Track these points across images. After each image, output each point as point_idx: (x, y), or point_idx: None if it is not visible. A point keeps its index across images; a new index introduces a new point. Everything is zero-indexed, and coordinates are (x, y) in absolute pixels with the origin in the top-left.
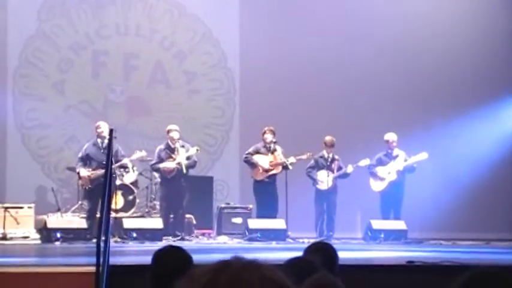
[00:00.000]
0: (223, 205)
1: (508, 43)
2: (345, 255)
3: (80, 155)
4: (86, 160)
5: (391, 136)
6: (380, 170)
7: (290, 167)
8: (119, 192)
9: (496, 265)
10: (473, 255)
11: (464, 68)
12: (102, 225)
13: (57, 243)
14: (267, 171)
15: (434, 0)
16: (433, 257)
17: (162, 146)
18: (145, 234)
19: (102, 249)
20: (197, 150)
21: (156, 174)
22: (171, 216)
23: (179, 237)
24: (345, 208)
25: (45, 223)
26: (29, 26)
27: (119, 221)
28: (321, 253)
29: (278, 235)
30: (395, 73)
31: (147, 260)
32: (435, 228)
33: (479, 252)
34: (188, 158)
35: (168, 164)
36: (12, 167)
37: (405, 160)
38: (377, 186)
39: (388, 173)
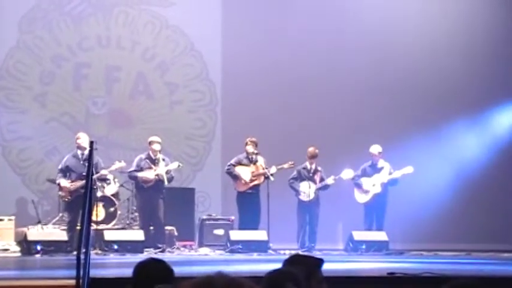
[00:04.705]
0: (205, 217)
1: (495, 51)
2: (325, 266)
3: (59, 166)
4: (66, 172)
5: (376, 148)
6: (365, 182)
7: (272, 178)
8: (100, 204)
9: (476, 276)
10: (454, 266)
11: (448, 77)
12: (82, 238)
13: (38, 255)
14: (249, 182)
15: (423, 15)
16: (414, 268)
17: (142, 156)
18: (126, 246)
19: (82, 261)
20: (179, 165)
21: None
22: (151, 228)
23: (160, 249)
24: (326, 219)
25: (26, 235)
26: (10, 38)
27: (99, 233)
28: (295, 266)
29: (260, 247)
30: (380, 84)
31: (128, 272)
32: (417, 239)
33: (460, 263)
34: (167, 172)
35: (147, 174)
36: None
37: (390, 173)
38: (361, 197)
39: (373, 185)
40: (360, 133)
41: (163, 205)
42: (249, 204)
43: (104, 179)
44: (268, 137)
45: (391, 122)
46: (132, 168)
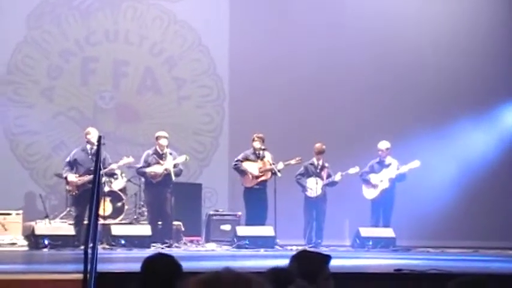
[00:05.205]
0: (211, 212)
1: (500, 48)
2: (332, 262)
3: (67, 159)
4: (73, 165)
5: (384, 144)
6: (373, 178)
7: (279, 174)
8: (108, 199)
9: (483, 273)
10: (461, 263)
11: (454, 74)
12: (90, 232)
13: (45, 250)
14: (256, 177)
15: (426, 10)
16: (421, 265)
17: (150, 151)
18: (133, 241)
19: (89, 256)
20: (186, 158)
21: (143, 179)
22: (159, 223)
23: (167, 244)
24: (333, 215)
25: (33, 230)
26: (18, 33)
27: (107, 227)
28: (302, 262)
29: (266, 242)
30: (387, 80)
31: (135, 267)
32: (423, 236)
33: (467, 260)
34: (175, 166)
35: (156, 169)
36: (0, 173)
37: (397, 168)
38: (369, 193)
39: (381, 180)
40: (366, 129)
41: (172, 200)
42: (256, 200)
43: (111, 174)
44: (275, 133)
45: (397, 119)
46: (140, 165)
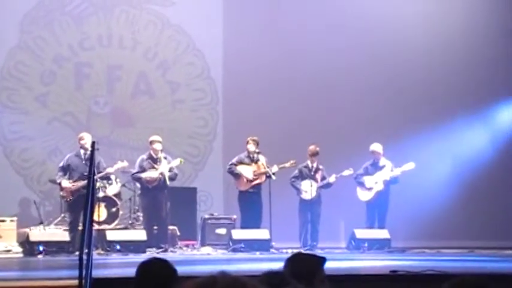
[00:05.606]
0: (207, 216)
1: (496, 47)
2: (328, 264)
3: (61, 164)
4: (67, 170)
5: (376, 147)
6: (367, 180)
7: (273, 177)
8: (102, 204)
9: (479, 273)
10: (457, 264)
11: (450, 73)
12: (84, 238)
13: (40, 256)
14: (251, 181)
15: (422, 10)
16: (417, 266)
17: (144, 156)
18: (128, 246)
19: (84, 262)
20: (181, 161)
21: (138, 184)
22: (155, 227)
23: (163, 249)
24: (328, 217)
25: (28, 236)
26: (11, 38)
27: (102, 233)
28: (297, 265)
29: (262, 245)
30: (381, 81)
31: (131, 272)
32: (419, 237)
33: (463, 260)
34: (170, 170)
35: (151, 174)
36: None
37: (392, 170)
38: (364, 195)
39: (375, 182)
40: (361, 131)
41: (167, 204)
42: (250, 203)
43: (107, 178)
44: (269, 136)
45: (393, 120)
46: (135, 170)
